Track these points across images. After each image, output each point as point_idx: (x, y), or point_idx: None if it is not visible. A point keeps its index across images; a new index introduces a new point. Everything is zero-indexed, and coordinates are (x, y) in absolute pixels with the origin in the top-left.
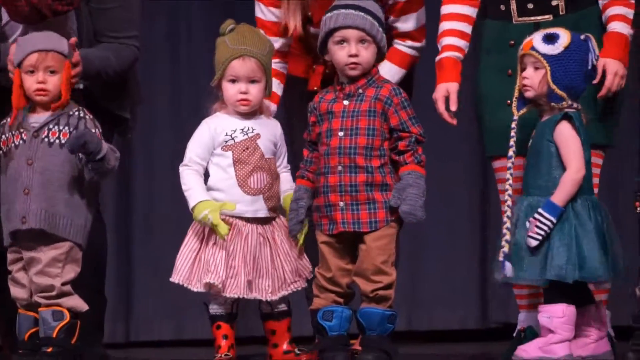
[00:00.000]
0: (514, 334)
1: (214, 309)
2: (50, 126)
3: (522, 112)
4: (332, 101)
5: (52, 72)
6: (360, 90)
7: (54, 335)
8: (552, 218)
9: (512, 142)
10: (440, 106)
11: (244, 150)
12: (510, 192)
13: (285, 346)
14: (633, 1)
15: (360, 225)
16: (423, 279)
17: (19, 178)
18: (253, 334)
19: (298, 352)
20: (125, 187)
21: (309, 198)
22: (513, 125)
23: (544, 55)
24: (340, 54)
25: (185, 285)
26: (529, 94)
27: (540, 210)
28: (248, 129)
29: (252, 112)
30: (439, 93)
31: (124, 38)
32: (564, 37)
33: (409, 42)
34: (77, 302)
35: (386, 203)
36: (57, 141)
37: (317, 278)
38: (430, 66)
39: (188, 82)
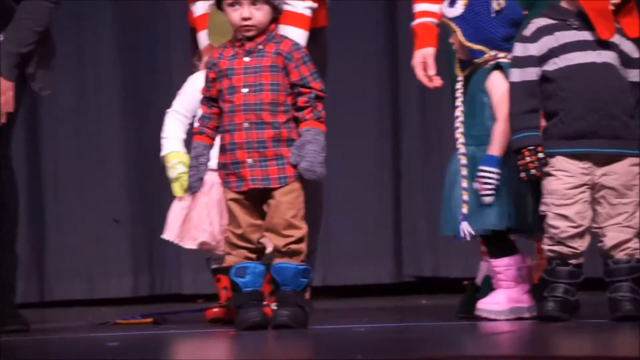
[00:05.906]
0: (473, 284)
1: (214, 264)
2: None
3: (465, 72)
4: (232, 57)
5: None
6: (260, 47)
7: None
8: (491, 169)
9: (458, 103)
10: (419, 72)
11: None
12: (462, 151)
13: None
14: None
15: (269, 181)
16: (337, 234)
17: None
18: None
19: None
20: (33, 144)
21: (209, 154)
22: (459, 86)
23: (451, 19)
24: (233, 15)
25: (177, 242)
26: (458, 55)
27: (480, 166)
28: None
29: None
30: (416, 60)
31: None
32: None
33: (307, 3)
34: None
35: None
36: None
37: (227, 236)
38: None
39: (91, 34)
